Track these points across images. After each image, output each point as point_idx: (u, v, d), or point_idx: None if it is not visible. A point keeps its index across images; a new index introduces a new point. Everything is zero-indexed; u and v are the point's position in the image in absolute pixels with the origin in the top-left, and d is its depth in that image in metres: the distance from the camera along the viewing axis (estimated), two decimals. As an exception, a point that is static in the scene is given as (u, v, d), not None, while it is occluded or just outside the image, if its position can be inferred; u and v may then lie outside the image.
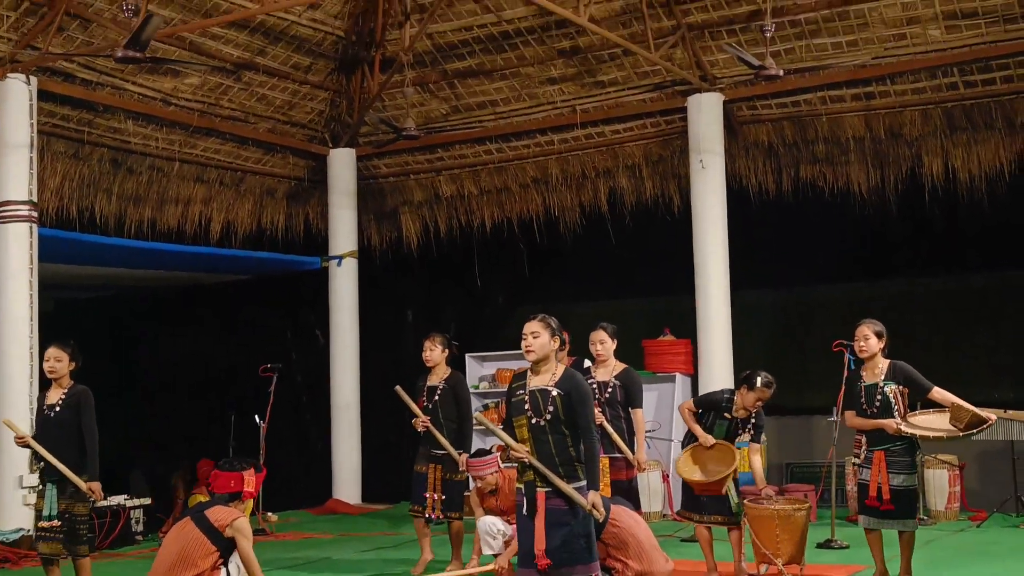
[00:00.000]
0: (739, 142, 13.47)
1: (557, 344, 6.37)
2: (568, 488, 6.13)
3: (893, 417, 7.70)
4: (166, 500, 13.38)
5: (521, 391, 6.37)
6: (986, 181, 12.49)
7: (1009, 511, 11.24)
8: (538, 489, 6.20)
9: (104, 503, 11.30)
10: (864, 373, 7.93)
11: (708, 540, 8.30)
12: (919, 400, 7.93)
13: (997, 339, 12.73)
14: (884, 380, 7.79)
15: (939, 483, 11.45)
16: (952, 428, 7.63)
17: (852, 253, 13.05)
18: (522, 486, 6.30)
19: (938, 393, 7.76)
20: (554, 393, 6.23)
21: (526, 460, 6.18)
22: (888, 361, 7.87)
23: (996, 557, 9.21)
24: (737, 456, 8.26)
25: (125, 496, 11.85)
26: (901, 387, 7.77)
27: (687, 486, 8.47)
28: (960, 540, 10.19)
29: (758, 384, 8.26)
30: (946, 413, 7.72)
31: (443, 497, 9.06)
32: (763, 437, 8.64)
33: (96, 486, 7.77)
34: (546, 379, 6.31)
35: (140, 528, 11.65)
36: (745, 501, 8.31)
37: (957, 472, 11.53)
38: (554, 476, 6.15)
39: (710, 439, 8.33)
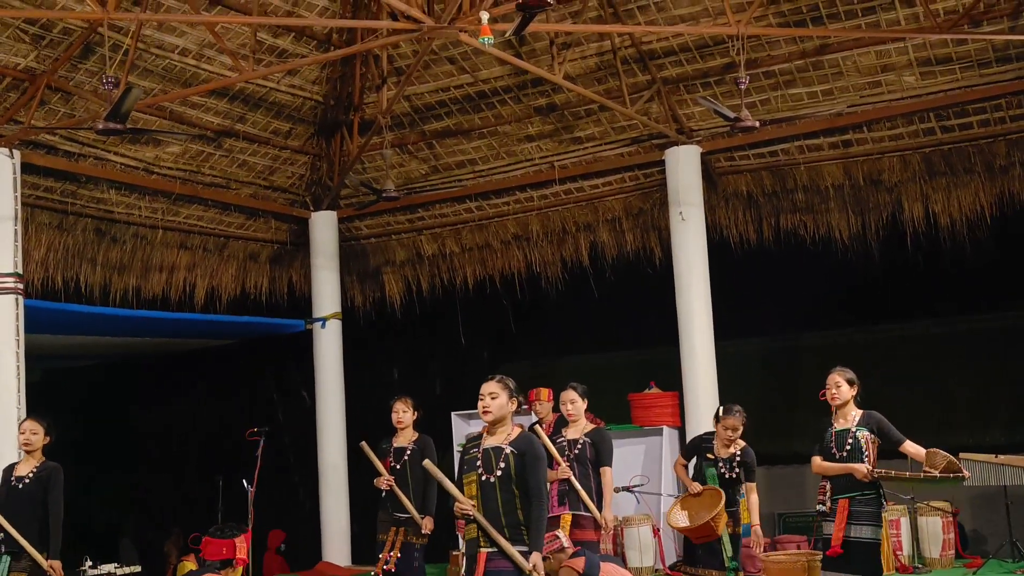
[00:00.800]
0: (718, 193, 13.56)
1: (515, 405, 6.34)
2: (510, 548, 6.07)
3: (862, 462, 7.67)
4: (157, 567, 13.30)
5: (475, 449, 6.36)
6: (967, 225, 12.56)
7: (1005, 557, 11.19)
8: (480, 549, 6.16)
9: (95, 572, 11.23)
10: (835, 421, 7.89)
11: None
12: (891, 449, 7.89)
13: (985, 383, 12.75)
14: (856, 426, 7.75)
15: (933, 530, 11.40)
16: (927, 472, 7.59)
17: (836, 300, 13.09)
18: (465, 543, 6.27)
19: (910, 446, 7.71)
20: (507, 451, 6.21)
21: (470, 514, 6.15)
22: (861, 410, 7.84)
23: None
24: (723, 499, 8.26)
25: (115, 564, 11.76)
26: (873, 436, 7.74)
27: (686, 539, 8.49)
28: (955, 586, 10.17)
29: (721, 413, 8.42)
30: (918, 475, 7.69)
31: (400, 557, 8.93)
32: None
33: (57, 565, 7.73)
34: (501, 438, 6.29)
35: (129, 597, 11.56)
36: (766, 555, 8.35)
37: (951, 519, 11.50)
38: (497, 534, 6.09)
39: (696, 485, 8.37)
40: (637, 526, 12.04)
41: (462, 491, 6.29)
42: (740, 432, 8.56)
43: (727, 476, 8.48)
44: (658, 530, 12.20)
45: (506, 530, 6.12)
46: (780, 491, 13.09)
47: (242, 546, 6.72)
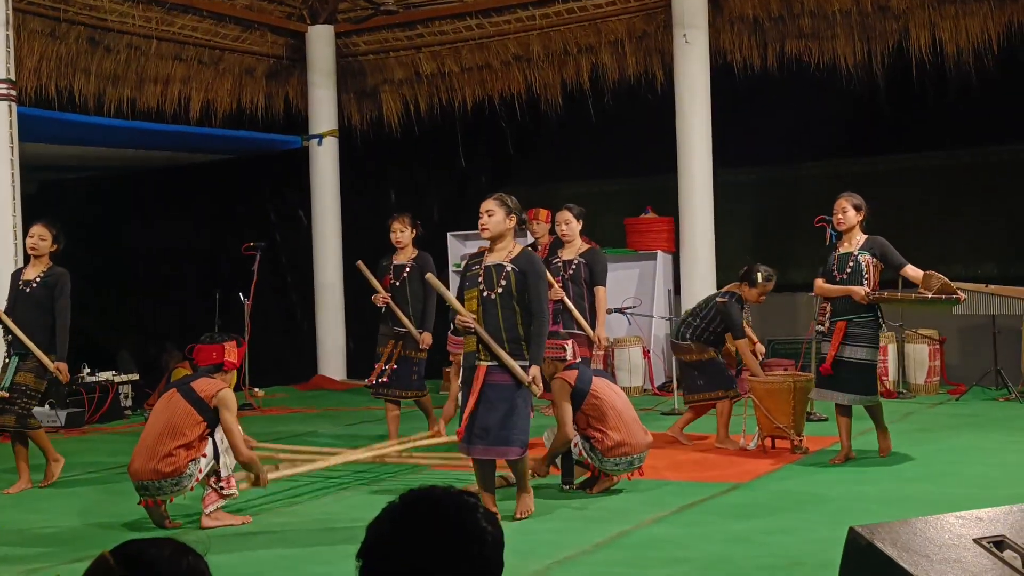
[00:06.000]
0: (724, 16, 13.29)
1: (513, 223, 6.40)
2: (510, 361, 6.20)
3: (862, 285, 7.74)
4: (154, 378, 13.51)
5: (476, 266, 6.45)
6: (974, 55, 12.36)
7: (988, 384, 11.36)
8: (479, 363, 6.29)
9: (93, 379, 11.43)
10: (840, 245, 7.95)
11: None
12: (892, 272, 7.95)
13: (984, 215, 12.74)
14: (859, 251, 7.81)
15: (919, 357, 11.57)
16: (921, 293, 7.67)
17: (838, 129, 12.95)
18: (464, 355, 6.41)
19: (911, 270, 7.78)
20: (509, 268, 6.30)
21: (471, 326, 6.24)
22: (866, 235, 7.90)
23: (975, 428, 9.35)
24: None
25: (113, 372, 11.97)
26: (875, 260, 7.79)
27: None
28: (939, 412, 10.34)
29: (759, 280, 8.54)
30: (917, 295, 7.75)
31: (394, 368, 9.06)
32: None
33: (63, 366, 7.83)
34: (502, 256, 6.37)
35: (128, 403, 11.80)
36: (749, 377, 8.51)
37: (937, 346, 11.64)
38: (497, 347, 6.21)
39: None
40: (628, 347, 12.20)
41: (464, 306, 6.37)
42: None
43: None
44: (648, 351, 12.36)
45: (506, 345, 6.25)
46: (772, 318, 13.16)
47: (231, 350, 6.78)
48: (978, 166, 12.98)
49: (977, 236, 12.67)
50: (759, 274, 8.69)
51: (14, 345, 7.90)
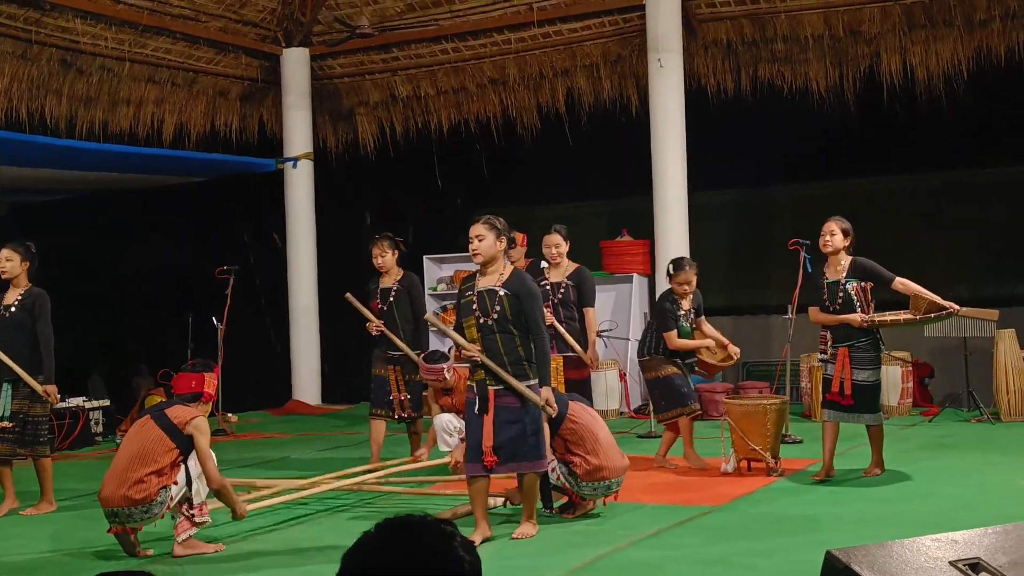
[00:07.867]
0: (698, 40, 13.36)
1: (504, 245, 6.41)
2: (519, 385, 6.22)
3: (856, 312, 7.80)
4: (126, 403, 13.40)
5: (470, 292, 6.44)
6: (944, 79, 12.48)
7: (960, 406, 11.41)
8: (489, 387, 6.29)
9: (63, 405, 11.31)
10: (827, 270, 8.00)
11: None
12: (883, 288, 7.99)
13: (955, 238, 12.82)
14: (846, 277, 7.85)
15: (892, 379, 11.59)
16: (910, 315, 7.73)
17: (811, 152, 13.04)
18: (474, 384, 6.39)
19: (900, 283, 7.84)
20: (501, 293, 6.29)
21: (477, 359, 6.24)
22: (850, 258, 7.94)
23: (948, 449, 9.36)
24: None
25: (84, 398, 11.86)
26: (863, 284, 7.84)
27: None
28: (913, 434, 10.35)
29: (670, 271, 8.72)
30: (912, 317, 7.81)
31: (409, 396, 9.09)
32: None
33: (52, 388, 7.78)
34: (494, 280, 6.37)
35: (99, 429, 11.70)
36: (725, 399, 8.54)
37: (911, 368, 11.68)
38: (504, 373, 6.23)
39: (708, 341, 8.73)
40: (604, 371, 12.19)
41: (463, 335, 6.37)
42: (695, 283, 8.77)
43: (691, 327, 8.74)
44: (624, 375, 12.35)
45: (509, 367, 6.27)
46: (746, 340, 13.16)
47: (211, 381, 6.74)
48: (949, 189, 13.08)
49: (948, 259, 12.74)
50: (670, 265, 8.81)
51: (3, 372, 7.81)
